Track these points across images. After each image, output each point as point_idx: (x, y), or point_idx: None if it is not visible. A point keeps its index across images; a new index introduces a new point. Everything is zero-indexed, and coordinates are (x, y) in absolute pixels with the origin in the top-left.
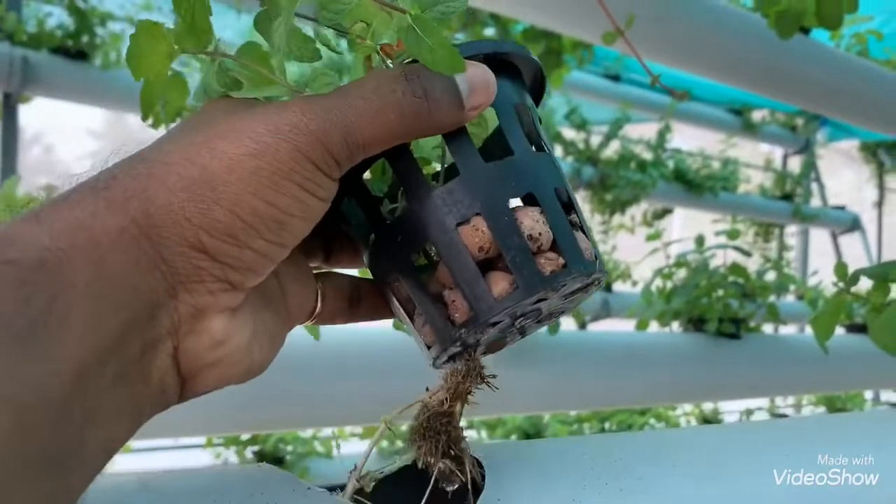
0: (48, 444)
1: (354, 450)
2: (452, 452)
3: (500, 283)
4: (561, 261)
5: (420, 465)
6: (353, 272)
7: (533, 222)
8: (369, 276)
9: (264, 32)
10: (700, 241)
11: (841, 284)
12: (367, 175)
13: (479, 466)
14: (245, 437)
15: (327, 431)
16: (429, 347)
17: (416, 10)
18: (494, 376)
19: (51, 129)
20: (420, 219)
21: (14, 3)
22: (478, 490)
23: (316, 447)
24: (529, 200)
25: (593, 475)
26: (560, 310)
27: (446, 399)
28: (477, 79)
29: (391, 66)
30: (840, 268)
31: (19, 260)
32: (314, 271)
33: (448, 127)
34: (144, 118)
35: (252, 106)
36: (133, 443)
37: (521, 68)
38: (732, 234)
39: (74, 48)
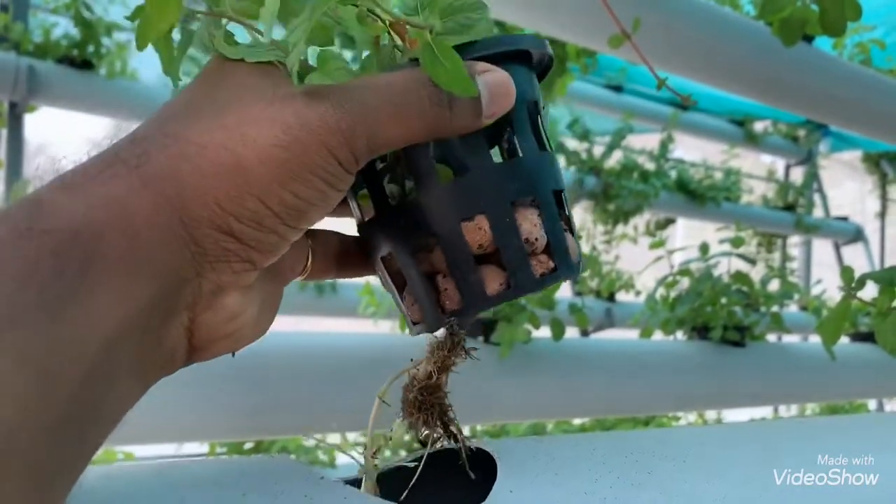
0: (69, 407)
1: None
2: (442, 422)
3: (493, 281)
4: (551, 264)
5: (418, 435)
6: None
7: (531, 226)
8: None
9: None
10: (704, 248)
11: (847, 289)
12: None
13: (492, 459)
14: (248, 445)
15: (330, 440)
16: (414, 323)
17: (436, 21)
18: (476, 349)
19: (55, 140)
20: (426, 209)
21: (21, 13)
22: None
23: (319, 456)
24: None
25: (605, 469)
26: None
27: (434, 372)
28: (497, 88)
29: (399, 45)
30: (846, 272)
31: (54, 230)
32: None
33: (464, 131)
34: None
35: (279, 85)
36: (136, 450)
37: (534, 56)
38: (736, 242)
39: (80, 58)
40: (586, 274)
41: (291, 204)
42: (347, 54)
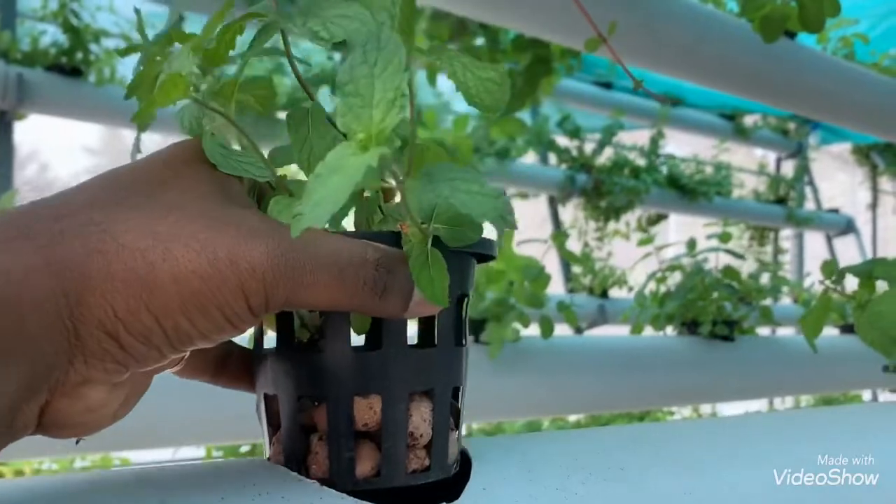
0: None
1: None
2: None
3: (366, 463)
4: (427, 462)
5: None
6: None
7: (420, 420)
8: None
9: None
10: (692, 244)
11: (828, 283)
12: None
13: (466, 457)
14: (245, 448)
15: None
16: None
17: (440, 230)
18: None
19: (46, 147)
20: (327, 368)
21: (8, 21)
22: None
23: None
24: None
25: (577, 465)
26: None
27: None
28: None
29: (382, 206)
30: (826, 266)
31: None
32: None
33: (385, 317)
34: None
35: (227, 204)
36: (132, 456)
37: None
38: (724, 238)
39: (69, 65)
40: (578, 271)
41: (185, 330)
42: None
